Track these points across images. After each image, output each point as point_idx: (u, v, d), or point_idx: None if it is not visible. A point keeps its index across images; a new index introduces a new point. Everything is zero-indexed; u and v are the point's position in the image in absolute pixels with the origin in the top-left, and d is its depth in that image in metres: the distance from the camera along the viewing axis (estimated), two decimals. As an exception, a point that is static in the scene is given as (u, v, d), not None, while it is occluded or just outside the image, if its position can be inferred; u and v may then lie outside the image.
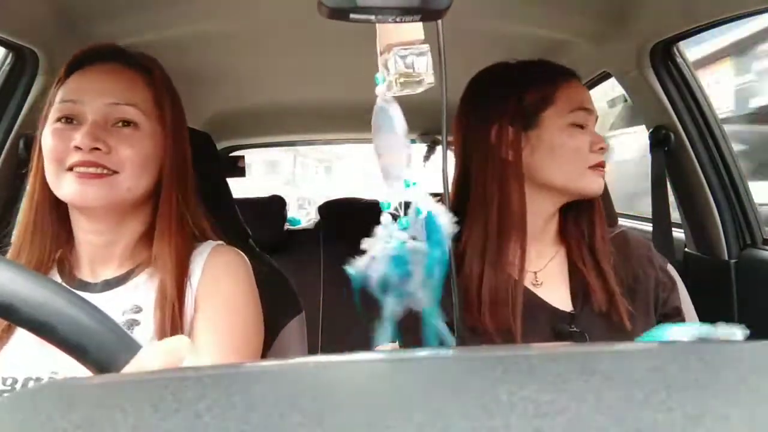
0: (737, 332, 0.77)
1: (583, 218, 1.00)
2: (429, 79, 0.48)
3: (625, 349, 0.40)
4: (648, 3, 1.25)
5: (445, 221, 0.48)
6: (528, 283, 0.96)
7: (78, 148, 0.79)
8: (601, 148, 0.95)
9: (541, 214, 0.97)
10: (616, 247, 0.99)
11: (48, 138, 0.83)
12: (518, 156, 0.94)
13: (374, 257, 0.48)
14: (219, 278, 0.86)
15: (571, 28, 1.39)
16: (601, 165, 0.95)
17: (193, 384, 0.29)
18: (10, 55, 1.21)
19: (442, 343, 0.50)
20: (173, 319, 0.81)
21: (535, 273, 0.98)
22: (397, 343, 0.55)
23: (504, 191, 0.93)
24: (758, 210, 1.52)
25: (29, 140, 1.24)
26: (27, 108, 1.23)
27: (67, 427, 0.25)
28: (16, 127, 1.23)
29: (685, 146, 1.48)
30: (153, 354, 0.45)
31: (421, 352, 0.39)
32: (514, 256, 0.94)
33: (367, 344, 0.58)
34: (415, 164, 0.49)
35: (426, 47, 0.48)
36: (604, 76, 1.62)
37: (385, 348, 0.57)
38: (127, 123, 0.84)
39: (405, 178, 0.48)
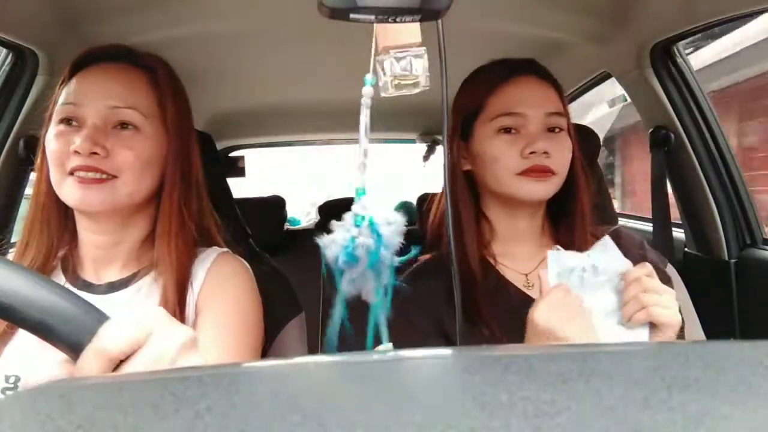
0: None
1: (567, 218, 0.99)
2: (424, 81, 0.49)
3: (625, 349, 0.40)
4: (648, 3, 1.25)
5: (389, 230, 0.53)
6: (520, 285, 0.96)
7: (77, 152, 0.79)
8: (533, 152, 0.91)
9: (509, 219, 0.98)
10: None
11: (50, 140, 0.83)
12: (461, 166, 0.97)
13: (334, 240, 0.54)
14: (221, 285, 0.86)
15: (571, 28, 1.39)
16: (534, 170, 0.92)
17: (193, 384, 0.29)
18: (10, 55, 1.21)
19: (379, 341, 0.56)
20: None
21: (526, 275, 0.98)
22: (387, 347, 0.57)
23: (458, 200, 0.97)
24: (758, 210, 1.52)
25: (29, 140, 1.25)
26: (27, 108, 1.23)
27: (67, 427, 0.25)
28: (16, 127, 1.23)
29: (685, 146, 1.48)
30: (119, 326, 0.46)
31: (421, 352, 0.39)
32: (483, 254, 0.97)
33: (361, 346, 0.59)
34: (407, 161, 0.51)
35: (422, 50, 0.48)
36: (604, 76, 1.62)
37: (385, 348, 0.58)
38: (126, 126, 0.83)
39: (357, 187, 0.52)
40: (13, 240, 1.29)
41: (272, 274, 1.12)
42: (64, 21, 1.18)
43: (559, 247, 0.87)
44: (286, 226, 2.38)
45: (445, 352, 0.43)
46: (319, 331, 2.00)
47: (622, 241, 0.99)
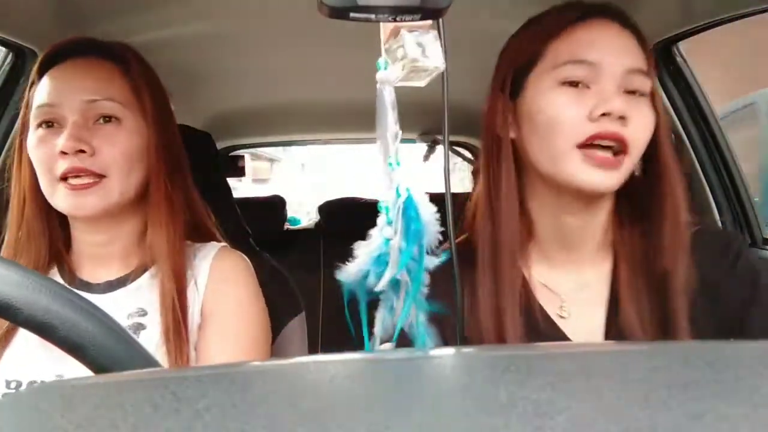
0: None
1: (642, 222, 0.73)
2: (437, 63, 0.45)
3: (625, 349, 0.40)
4: (648, 3, 1.25)
5: (427, 212, 0.45)
6: (552, 312, 0.74)
7: (63, 153, 0.78)
8: (605, 114, 0.67)
9: (556, 212, 0.74)
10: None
11: (33, 147, 0.81)
12: (505, 131, 0.75)
13: (360, 259, 0.47)
14: (227, 283, 0.86)
15: (571, 28, 1.39)
16: (599, 138, 0.68)
17: (193, 384, 0.29)
18: (10, 55, 1.21)
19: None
20: (176, 322, 0.80)
21: (561, 297, 0.75)
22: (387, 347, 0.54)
23: (493, 178, 0.74)
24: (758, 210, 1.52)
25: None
26: (27, 108, 1.23)
27: (67, 427, 0.25)
28: (16, 127, 1.23)
29: (685, 146, 1.48)
30: None
31: (421, 352, 0.39)
32: (520, 266, 0.73)
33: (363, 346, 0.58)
34: (408, 160, 0.47)
35: (434, 34, 0.47)
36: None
37: (386, 348, 0.57)
38: (108, 119, 0.82)
39: (389, 157, 0.46)
40: (5, 245, 1.29)
41: (272, 273, 1.12)
42: (64, 21, 1.18)
43: None
44: (286, 226, 2.38)
45: (445, 352, 0.43)
46: (319, 331, 2.01)
47: (707, 244, 0.75)
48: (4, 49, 1.20)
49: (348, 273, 0.46)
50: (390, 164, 0.45)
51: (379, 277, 0.45)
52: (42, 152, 0.80)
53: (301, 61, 1.61)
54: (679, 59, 1.44)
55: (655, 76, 0.75)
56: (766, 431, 0.23)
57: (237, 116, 2.16)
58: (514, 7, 1.32)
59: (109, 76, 0.84)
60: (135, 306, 0.83)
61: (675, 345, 0.51)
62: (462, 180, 3.03)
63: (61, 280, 0.85)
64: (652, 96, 0.73)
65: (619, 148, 0.69)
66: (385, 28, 0.48)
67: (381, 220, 0.47)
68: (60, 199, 0.79)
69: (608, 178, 0.69)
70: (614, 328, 0.73)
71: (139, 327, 0.81)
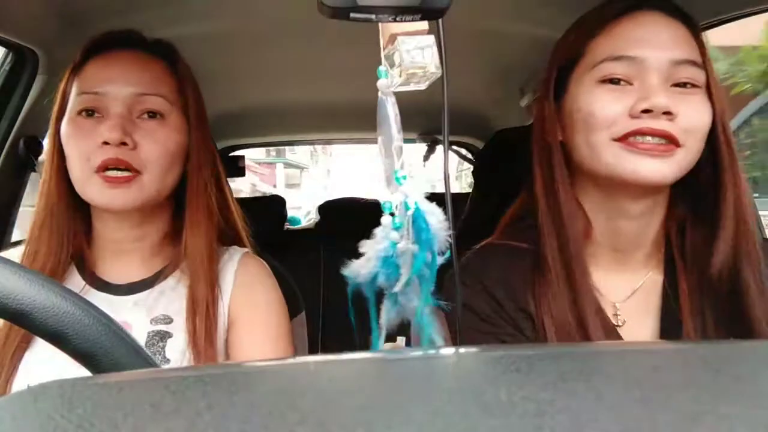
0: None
1: (704, 227, 0.69)
2: (434, 69, 0.47)
3: (625, 349, 0.40)
4: (648, 3, 1.25)
5: (435, 221, 0.46)
6: (608, 315, 0.72)
7: (106, 143, 0.76)
8: (647, 111, 0.64)
9: (608, 214, 0.71)
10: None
11: (70, 134, 0.79)
12: (554, 134, 0.72)
13: (369, 258, 0.47)
14: (253, 289, 0.85)
15: (572, 28, 1.39)
16: (639, 132, 0.64)
17: (193, 384, 0.29)
18: (10, 54, 1.21)
19: (392, 339, 0.50)
20: (207, 326, 0.78)
21: (615, 304, 0.72)
22: (398, 341, 0.55)
23: (549, 184, 0.72)
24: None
25: (29, 141, 1.24)
26: (27, 108, 1.23)
27: (67, 427, 0.24)
28: (16, 127, 1.23)
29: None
30: None
31: (421, 352, 0.39)
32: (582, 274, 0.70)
33: (367, 344, 0.59)
34: (407, 161, 0.48)
35: (431, 38, 0.48)
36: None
37: (386, 348, 0.57)
38: (153, 114, 0.80)
39: (395, 171, 0.47)
40: (13, 239, 1.29)
41: (273, 273, 1.12)
42: (64, 20, 1.18)
43: None
44: (286, 225, 2.38)
45: (445, 352, 0.43)
46: (320, 331, 2.01)
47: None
48: (4, 49, 1.20)
49: (355, 270, 0.46)
50: (397, 178, 0.46)
51: (388, 277, 0.46)
52: (81, 141, 0.78)
53: (301, 61, 1.61)
54: (679, 59, 1.44)
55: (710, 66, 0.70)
56: (765, 431, 0.23)
57: (237, 116, 2.16)
58: (514, 7, 1.32)
59: (157, 72, 0.83)
60: (159, 312, 0.81)
61: (675, 345, 0.51)
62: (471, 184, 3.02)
63: (79, 278, 0.83)
64: (709, 87, 0.68)
65: (668, 143, 0.64)
66: (384, 34, 0.49)
67: (386, 220, 0.47)
68: (93, 190, 0.77)
69: (659, 167, 0.64)
70: (669, 319, 0.71)
71: (166, 335, 0.80)
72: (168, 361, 0.78)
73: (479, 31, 1.30)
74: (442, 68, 0.50)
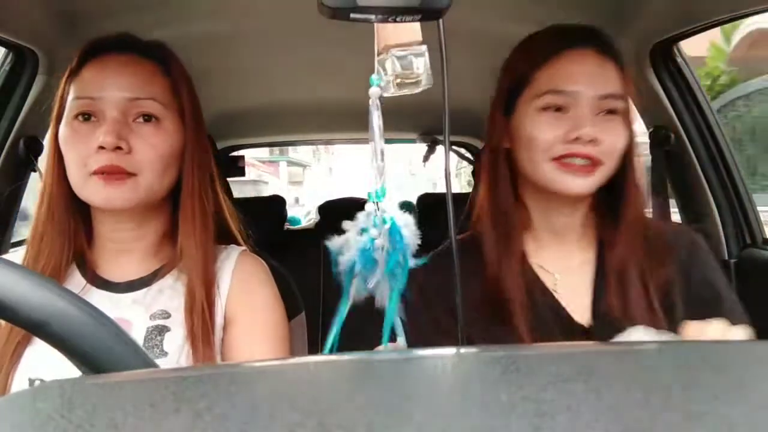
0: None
1: (614, 215, 0.86)
2: (426, 80, 0.48)
3: (625, 349, 0.40)
4: (648, 3, 1.25)
5: (408, 233, 0.51)
6: (549, 285, 0.88)
7: (101, 147, 0.77)
8: (577, 138, 0.79)
9: (545, 211, 0.87)
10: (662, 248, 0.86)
11: (67, 139, 0.80)
12: (502, 143, 0.87)
13: (348, 241, 0.52)
14: (250, 287, 0.86)
15: (571, 28, 1.39)
16: (574, 155, 0.80)
17: (193, 384, 0.29)
18: (10, 55, 1.21)
19: (394, 339, 0.55)
20: (204, 324, 0.79)
21: (556, 276, 0.88)
22: (398, 342, 0.56)
23: (494, 181, 0.88)
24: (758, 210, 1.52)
25: (29, 141, 1.25)
26: (27, 108, 1.23)
27: (67, 427, 0.24)
28: (16, 127, 1.23)
29: (685, 146, 1.48)
30: None
31: (421, 352, 0.39)
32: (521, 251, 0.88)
33: (367, 344, 0.59)
34: (409, 169, 0.50)
35: (423, 48, 0.48)
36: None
37: (386, 348, 0.57)
38: (148, 118, 0.81)
39: (376, 190, 0.51)
40: (13, 240, 1.29)
41: (273, 273, 1.12)
42: (64, 21, 1.18)
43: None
44: (286, 225, 2.38)
45: (446, 352, 0.43)
46: (320, 331, 2.01)
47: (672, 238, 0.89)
48: (4, 49, 1.20)
49: (336, 246, 0.53)
50: (378, 194, 0.51)
51: (364, 267, 0.52)
52: (77, 145, 0.79)
53: (301, 61, 1.61)
54: (679, 59, 1.44)
55: (636, 88, 0.89)
56: (766, 431, 0.23)
57: (237, 116, 2.16)
58: (514, 8, 1.32)
59: (151, 75, 0.83)
60: (157, 308, 0.82)
61: (675, 345, 0.51)
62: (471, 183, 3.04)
63: (80, 278, 0.84)
64: (627, 114, 0.85)
65: (592, 164, 0.81)
66: (379, 41, 0.49)
67: (369, 207, 0.51)
68: (91, 191, 0.78)
69: (582, 183, 0.81)
70: (600, 307, 0.85)
71: (163, 330, 0.81)
72: (166, 354, 0.79)
73: (479, 31, 1.30)
74: (443, 68, 0.51)
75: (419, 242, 0.52)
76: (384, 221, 0.51)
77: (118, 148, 0.78)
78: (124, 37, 0.86)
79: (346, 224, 0.52)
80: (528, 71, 0.85)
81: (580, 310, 0.85)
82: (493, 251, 0.87)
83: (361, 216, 0.52)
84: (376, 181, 0.51)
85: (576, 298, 0.86)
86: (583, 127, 0.79)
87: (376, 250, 0.51)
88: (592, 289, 0.87)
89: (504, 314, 0.83)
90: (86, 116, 0.80)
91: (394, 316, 0.54)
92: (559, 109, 0.82)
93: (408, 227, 0.52)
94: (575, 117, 0.81)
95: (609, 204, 0.88)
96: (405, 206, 0.53)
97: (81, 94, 0.81)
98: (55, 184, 0.82)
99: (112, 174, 0.78)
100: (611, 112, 0.83)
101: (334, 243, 0.53)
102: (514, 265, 0.85)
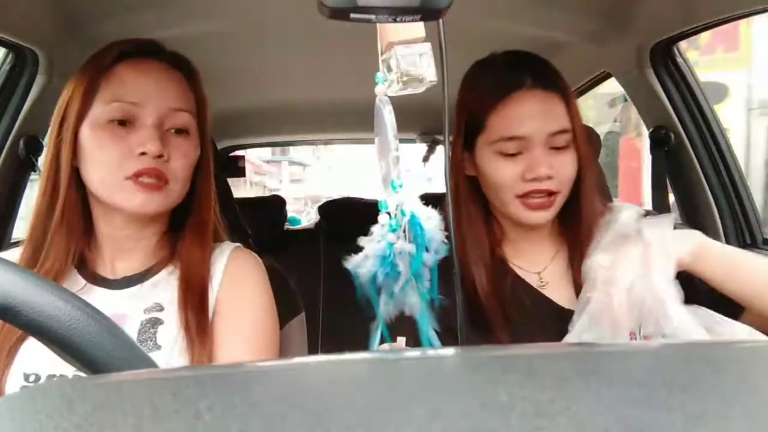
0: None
1: (574, 218, 0.95)
2: (430, 77, 0.48)
3: (625, 349, 0.40)
4: (648, 3, 1.25)
5: (431, 225, 0.49)
6: (534, 284, 0.95)
7: (144, 153, 0.78)
8: (535, 179, 0.87)
9: (516, 225, 0.95)
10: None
11: (100, 140, 0.80)
12: (463, 172, 0.94)
13: (367, 255, 0.50)
14: (241, 282, 0.87)
15: (571, 28, 1.39)
16: (535, 193, 0.88)
17: (193, 384, 0.29)
18: (10, 55, 1.21)
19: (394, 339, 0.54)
20: (198, 317, 0.80)
21: (539, 274, 0.96)
22: (398, 341, 0.56)
23: (463, 202, 0.94)
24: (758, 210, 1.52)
25: (29, 141, 1.25)
26: (27, 108, 1.23)
27: (67, 427, 0.24)
28: (16, 127, 1.23)
29: (685, 146, 1.48)
30: None
31: (421, 352, 0.39)
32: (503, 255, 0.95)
33: (367, 344, 0.59)
34: (404, 166, 0.49)
35: (427, 45, 0.48)
36: (604, 76, 1.61)
37: (386, 348, 0.57)
38: (180, 130, 0.83)
39: (392, 180, 0.49)
40: (13, 239, 1.29)
41: (272, 274, 1.11)
42: (64, 21, 1.18)
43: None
44: (286, 226, 2.38)
45: (445, 352, 0.43)
46: (320, 331, 2.01)
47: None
48: (4, 49, 1.20)
49: (354, 265, 0.51)
50: (393, 186, 0.48)
51: (386, 276, 0.49)
52: (112, 148, 0.79)
53: (301, 61, 1.61)
54: (679, 59, 1.44)
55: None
56: (766, 431, 0.23)
57: (237, 116, 2.16)
58: (513, 7, 1.32)
59: (185, 87, 0.86)
60: (152, 301, 0.83)
61: (675, 345, 0.51)
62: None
63: (80, 277, 0.84)
64: (576, 140, 0.91)
65: (550, 196, 0.89)
66: (382, 39, 0.49)
67: (383, 219, 0.48)
68: (125, 195, 0.79)
69: (544, 216, 0.90)
70: (578, 277, 0.92)
71: (157, 322, 0.81)
72: (159, 347, 0.80)
73: (479, 31, 1.30)
74: (443, 68, 0.51)
75: (444, 238, 0.49)
76: (403, 214, 0.48)
77: (159, 156, 0.79)
78: (154, 43, 0.87)
79: (362, 240, 0.51)
80: (482, 115, 0.91)
81: (567, 298, 0.93)
82: (461, 255, 0.91)
83: (375, 229, 0.50)
84: (392, 172, 0.48)
85: (560, 288, 0.95)
86: (539, 167, 0.87)
87: (398, 255, 0.49)
88: (571, 276, 0.95)
89: (484, 320, 0.88)
90: (123, 121, 0.81)
91: (428, 330, 0.51)
92: (513, 154, 0.89)
93: (431, 220, 0.49)
94: (530, 158, 0.88)
95: (569, 210, 0.95)
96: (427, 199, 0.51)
97: (120, 97, 0.81)
98: (70, 190, 0.82)
99: (151, 178, 0.79)
100: (560, 147, 0.90)
101: (351, 261, 0.51)
102: (491, 272, 0.92)
